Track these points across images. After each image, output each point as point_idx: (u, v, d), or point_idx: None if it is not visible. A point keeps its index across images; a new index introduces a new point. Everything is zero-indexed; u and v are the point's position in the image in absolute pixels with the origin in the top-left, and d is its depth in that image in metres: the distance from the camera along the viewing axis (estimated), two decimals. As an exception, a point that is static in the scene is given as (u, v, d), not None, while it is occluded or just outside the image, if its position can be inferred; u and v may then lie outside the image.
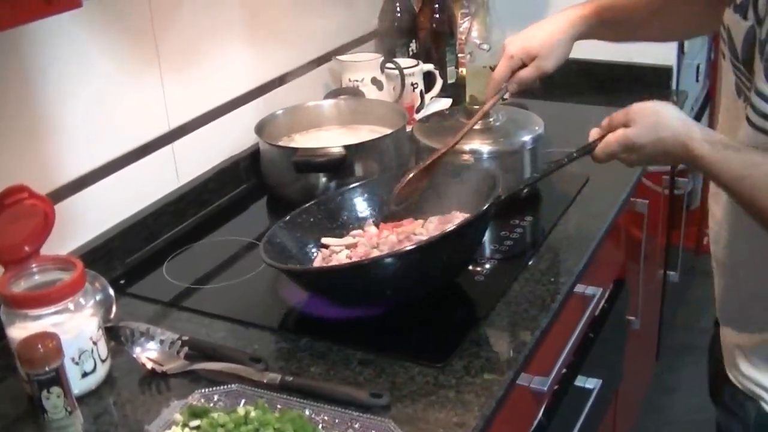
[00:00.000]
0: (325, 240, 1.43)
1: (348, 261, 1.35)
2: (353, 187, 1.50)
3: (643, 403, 2.50)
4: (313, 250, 1.41)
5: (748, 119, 1.06)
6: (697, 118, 2.69)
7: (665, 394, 2.63)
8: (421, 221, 1.43)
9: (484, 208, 1.27)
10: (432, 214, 1.43)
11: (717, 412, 1.28)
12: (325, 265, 1.37)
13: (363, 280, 1.25)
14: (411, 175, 1.38)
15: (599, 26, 1.40)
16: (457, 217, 1.37)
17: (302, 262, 1.38)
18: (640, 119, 1.12)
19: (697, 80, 2.62)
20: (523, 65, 1.42)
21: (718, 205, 1.20)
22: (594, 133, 1.20)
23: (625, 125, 1.14)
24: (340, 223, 1.46)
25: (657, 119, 1.11)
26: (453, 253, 1.28)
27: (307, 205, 1.45)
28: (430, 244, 1.24)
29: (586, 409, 1.57)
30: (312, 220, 1.44)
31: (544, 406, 1.41)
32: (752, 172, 1.03)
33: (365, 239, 1.42)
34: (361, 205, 1.48)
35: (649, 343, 2.50)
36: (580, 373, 1.59)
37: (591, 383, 1.62)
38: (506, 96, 1.46)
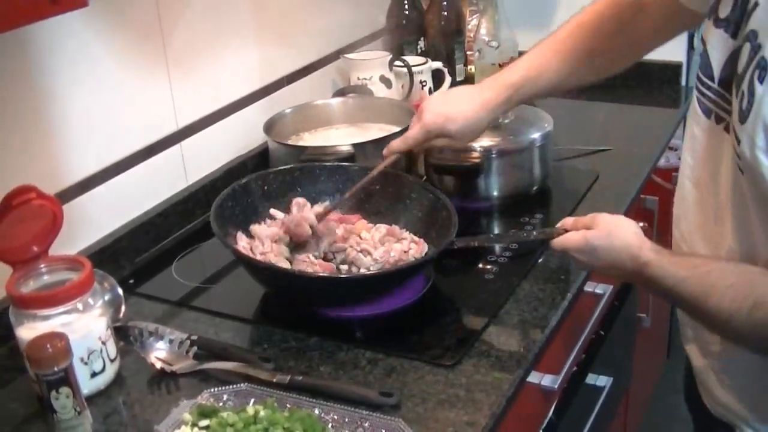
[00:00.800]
0: (273, 212, 1.44)
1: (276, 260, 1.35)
2: (314, 166, 1.50)
3: (651, 401, 2.48)
4: (260, 219, 1.42)
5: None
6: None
7: (674, 392, 2.62)
8: (369, 225, 1.44)
9: (429, 254, 1.30)
10: (382, 217, 1.44)
11: None
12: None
13: (296, 287, 1.28)
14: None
15: (521, 100, 1.40)
16: (405, 237, 1.39)
17: (246, 231, 1.39)
18: (602, 225, 1.16)
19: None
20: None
21: (687, 220, 1.19)
22: (561, 223, 1.24)
23: (587, 227, 1.18)
24: (291, 198, 1.45)
25: (614, 229, 1.15)
26: (390, 283, 1.30)
27: (265, 171, 1.47)
28: (367, 277, 1.29)
29: (597, 407, 1.57)
30: (266, 188, 1.44)
31: (554, 405, 1.41)
32: (692, 273, 1.05)
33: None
34: (318, 186, 1.47)
35: (660, 340, 2.49)
36: (590, 371, 1.58)
37: (602, 381, 1.61)
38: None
